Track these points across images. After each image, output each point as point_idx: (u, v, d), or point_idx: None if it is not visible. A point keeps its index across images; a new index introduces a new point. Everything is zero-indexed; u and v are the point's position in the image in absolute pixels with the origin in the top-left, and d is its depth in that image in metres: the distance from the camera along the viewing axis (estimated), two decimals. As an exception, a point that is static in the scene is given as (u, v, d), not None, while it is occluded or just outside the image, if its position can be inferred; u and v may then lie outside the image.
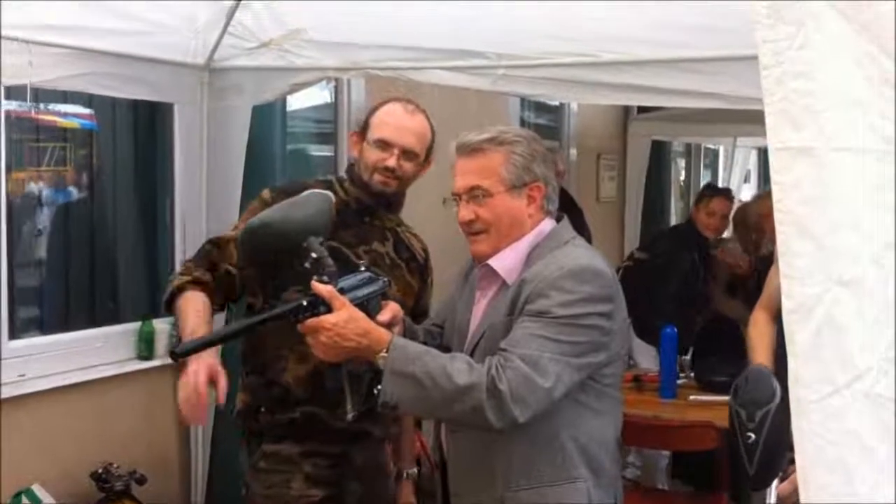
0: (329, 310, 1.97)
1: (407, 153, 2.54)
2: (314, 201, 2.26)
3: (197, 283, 2.51)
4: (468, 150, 2.12)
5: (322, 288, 1.98)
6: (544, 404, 1.94)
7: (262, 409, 2.59)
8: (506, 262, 2.11)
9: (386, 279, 2.27)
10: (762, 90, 0.96)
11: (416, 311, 2.70)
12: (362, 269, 2.21)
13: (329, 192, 2.35)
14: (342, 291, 2.01)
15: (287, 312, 2.00)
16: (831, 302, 0.94)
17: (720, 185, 9.49)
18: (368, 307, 2.10)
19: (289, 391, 2.56)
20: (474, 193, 2.10)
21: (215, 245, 2.61)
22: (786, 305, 0.97)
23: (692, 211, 5.22)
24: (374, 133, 2.56)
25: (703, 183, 9.86)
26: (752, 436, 1.82)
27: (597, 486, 2.08)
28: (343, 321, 1.96)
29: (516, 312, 2.02)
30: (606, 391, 2.10)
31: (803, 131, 0.93)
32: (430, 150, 2.63)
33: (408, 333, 2.24)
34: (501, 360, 1.93)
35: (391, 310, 2.20)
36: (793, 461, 1.88)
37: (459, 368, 1.92)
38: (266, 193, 2.62)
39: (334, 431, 2.51)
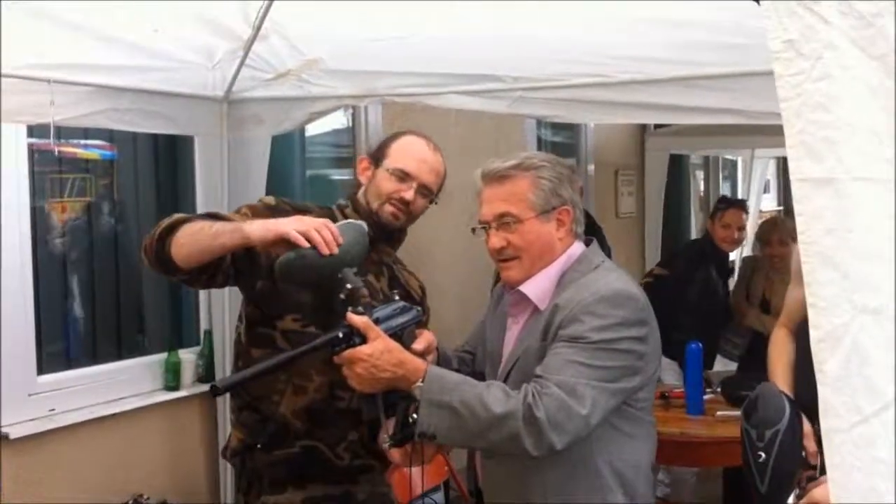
0: (364, 341, 1.97)
1: (423, 188, 2.47)
2: (349, 231, 2.24)
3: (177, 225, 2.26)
4: (495, 177, 2.13)
5: (357, 319, 1.97)
6: (582, 431, 1.93)
7: (259, 447, 2.45)
8: (537, 287, 2.12)
9: (419, 308, 2.25)
10: (783, 121, 0.97)
11: None
12: (396, 298, 2.20)
13: (363, 223, 2.30)
14: (377, 322, 2.01)
15: (323, 344, 1.99)
16: (858, 330, 0.94)
17: (739, 195, 9.48)
18: (403, 337, 2.10)
19: (286, 425, 2.43)
20: (504, 220, 2.11)
21: (214, 216, 2.38)
22: (814, 335, 0.97)
23: (708, 225, 5.21)
24: (394, 163, 2.47)
25: (722, 194, 9.85)
26: (763, 455, 1.83)
27: None
28: (378, 352, 1.95)
29: (549, 338, 2.02)
30: (640, 415, 2.10)
31: (823, 162, 0.94)
32: (439, 191, 2.57)
33: (442, 361, 2.24)
34: (538, 386, 1.92)
35: (426, 339, 2.19)
36: (811, 479, 1.89)
37: (496, 397, 1.92)
38: (271, 199, 2.53)
39: (337, 468, 2.42)
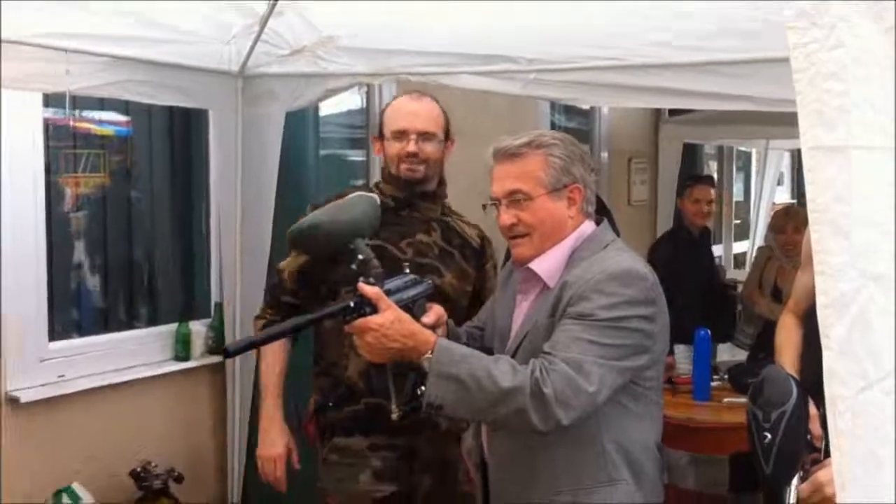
0: (375, 311, 1.99)
1: (423, 135, 2.65)
2: (360, 203, 2.33)
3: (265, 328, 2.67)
4: (506, 154, 2.13)
5: (368, 289, 2.00)
6: (589, 408, 1.94)
7: (330, 405, 2.73)
8: (547, 265, 2.13)
9: (430, 282, 2.29)
10: (795, 92, 0.98)
11: (476, 295, 2.77)
12: (407, 271, 2.24)
13: (374, 195, 2.44)
14: (388, 293, 2.04)
15: (334, 313, 2.04)
16: (865, 298, 0.95)
17: (752, 188, 9.47)
18: (414, 309, 2.12)
19: (352, 386, 2.68)
20: (515, 198, 2.11)
21: (277, 284, 2.81)
22: (820, 301, 0.98)
23: (678, 202, 5.26)
24: (389, 127, 2.70)
25: (735, 186, 9.82)
26: (769, 436, 1.83)
27: (638, 490, 2.09)
28: (389, 322, 1.97)
29: (558, 315, 2.03)
30: (647, 394, 2.11)
31: (835, 131, 0.95)
32: (447, 131, 2.74)
33: (451, 335, 2.26)
34: (545, 362, 1.93)
35: (435, 312, 2.22)
36: (815, 461, 1.89)
37: (503, 371, 1.93)
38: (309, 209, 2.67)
39: (400, 423, 2.47)
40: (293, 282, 2.72)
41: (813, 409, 1.95)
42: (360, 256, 2.12)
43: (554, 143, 2.13)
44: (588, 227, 2.18)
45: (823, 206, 0.98)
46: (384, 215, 2.53)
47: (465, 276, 2.73)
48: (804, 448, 1.88)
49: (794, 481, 1.84)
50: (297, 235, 2.28)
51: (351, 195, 2.40)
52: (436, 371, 1.95)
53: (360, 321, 1.98)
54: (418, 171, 2.65)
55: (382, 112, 2.81)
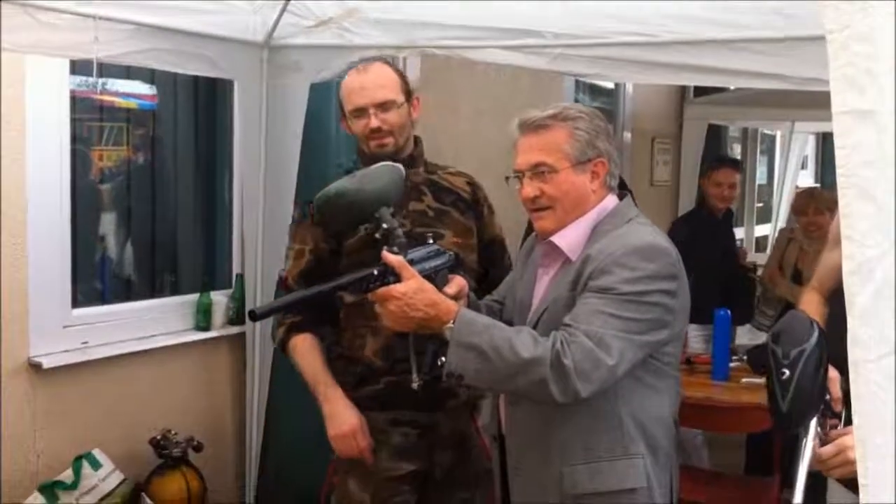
0: (398, 280, 2.01)
1: (381, 106, 2.58)
2: (386, 173, 2.32)
3: (294, 329, 2.64)
4: (532, 126, 2.12)
5: (392, 258, 2.02)
6: (608, 381, 1.95)
7: (349, 388, 2.62)
8: (569, 238, 2.12)
9: (452, 253, 2.30)
10: (828, 56, 0.97)
11: (485, 244, 2.75)
12: (430, 241, 2.25)
13: (399, 165, 2.39)
14: (411, 262, 2.05)
15: (358, 280, 2.05)
16: (890, 263, 0.95)
17: (776, 171, 9.40)
18: (436, 280, 2.13)
19: (370, 366, 2.61)
20: (539, 170, 2.10)
21: (282, 289, 2.71)
22: (846, 267, 0.98)
23: (701, 182, 5.22)
24: (347, 107, 2.63)
25: (759, 169, 9.76)
26: (787, 372, 1.80)
27: (654, 464, 2.09)
28: (412, 291, 2.00)
29: (579, 288, 2.02)
30: (665, 369, 2.10)
31: (865, 94, 0.94)
32: (408, 91, 2.66)
33: (472, 307, 2.25)
34: (566, 334, 1.93)
35: (457, 283, 2.22)
36: (833, 427, 1.89)
37: (524, 342, 1.93)
38: (294, 211, 2.70)
39: (419, 397, 2.43)
40: (297, 284, 2.63)
41: (834, 372, 1.94)
42: (385, 225, 2.14)
43: (580, 117, 2.11)
44: (611, 201, 2.17)
45: (851, 171, 0.97)
46: None
47: (466, 231, 2.69)
48: (822, 393, 1.86)
49: (811, 439, 1.83)
50: (324, 203, 2.28)
51: (377, 164, 2.38)
52: (457, 340, 1.96)
53: (384, 289, 2.00)
54: (388, 143, 2.59)
55: (339, 90, 2.72)
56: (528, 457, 2.20)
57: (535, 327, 2.10)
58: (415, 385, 2.16)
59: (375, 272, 2.01)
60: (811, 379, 1.82)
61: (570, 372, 1.89)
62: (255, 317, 2.02)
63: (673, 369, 2.15)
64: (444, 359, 1.98)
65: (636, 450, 2.07)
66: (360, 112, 2.58)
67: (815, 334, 1.85)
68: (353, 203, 2.23)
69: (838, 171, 0.99)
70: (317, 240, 2.60)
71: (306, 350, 2.63)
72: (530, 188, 2.12)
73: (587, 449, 2.08)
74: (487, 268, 2.77)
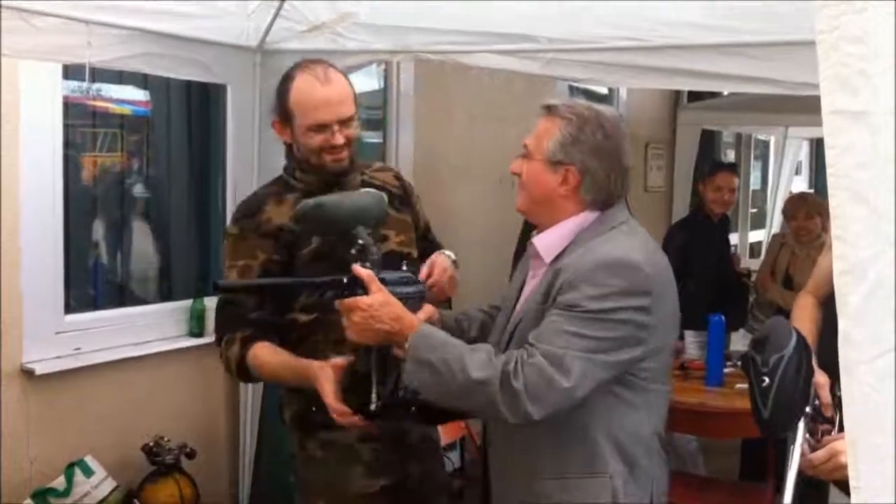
0: (366, 293, 2.03)
1: (344, 123, 2.39)
2: (368, 195, 2.31)
3: (250, 340, 2.41)
4: (543, 110, 2.10)
5: (362, 271, 2.04)
6: (564, 403, 1.90)
7: (314, 409, 2.38)
8: (546, 241, 2.09)
9: (424, 287, 2.28)
10: (817, 54, 0.97)
11: (421, 233, 2.68)
12: (404, 268, 2.25)
13: (383, 194, 2.34)
14: (383, 282, 2.07)
15: (326, 284, 2.07)
16: (884, 264, 0.94)
17: (770, 176, 9.42)
18: (407, 306, 2.12)
19: (340, 383, 2.36)
20: (525, 150, 2.10)
21: (228, 302, 2.45)
22: (837, 267, 0.98)
23: (699, 188, 5.22)
24: (305, 119, 2.38)
25: (753, 174, 9.77)
26: (766, 379, 1.80)
27: (631, 481, 2.02)
28: (378, 304, 2.01)
29: (549, 301, 1.99)
30: (643, 385, 2.01)
31: (858, 95, 0.94)
32: (356, 102, 2.46)
33: (445, 328, 2.22)
34: (524, 354, 1.90)
35: (427, 311, 2.21)
36: (826, 433, 1.89)
37: (477, 361, 1.91)
38: (232, 227, 2.48)
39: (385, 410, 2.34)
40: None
41: (823, 378, 1.95)
42: (360, 241, 2.14)
43: (569, 119, 2.05)
44: (594, 214, 2.07)
45: (843, 172, 0.97)
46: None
47: (405, 225, 2.60)
48: (802, 398, 1.87)
49: (799, 444, 1.83)
50: (302, 213, 2.27)
51: (361, 189, 2.37)
52: (412, 355, 1.97)
53: (351, 300, 2.02)
54: (344, 158, 2.41)
55: (285, 94, 2.41)
56: (506, 469, 2.18)
57: (511, 337, 2.09)
58: (373, 407, 2.15)
59: (345, 279, 2.04)
60: (792, 384, 1.83)
61: (519, 394, 1.86)
62: (218, 289, 2.07)
63: (655, 383, 2.05)
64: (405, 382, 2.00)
65: (606, 468, 2.00)
66: (323, 128, 2.37)
67: (794, 340, 1.86)
68: (331, 216, 2.20)
69: (829, 171, 0.98)
70: (267, 252, 2.41)
71: (271, 352, 2.39)
72: (517, 163, 2.11)
73: (557, 464, 2.04)
74: (423, 256, 2.61)
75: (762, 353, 1.85)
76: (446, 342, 1.98)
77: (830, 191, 0.98)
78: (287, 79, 2.45)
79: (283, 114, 2.43)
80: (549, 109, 2.08)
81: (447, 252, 2.50)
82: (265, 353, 2.38)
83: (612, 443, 2.01)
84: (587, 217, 2.06)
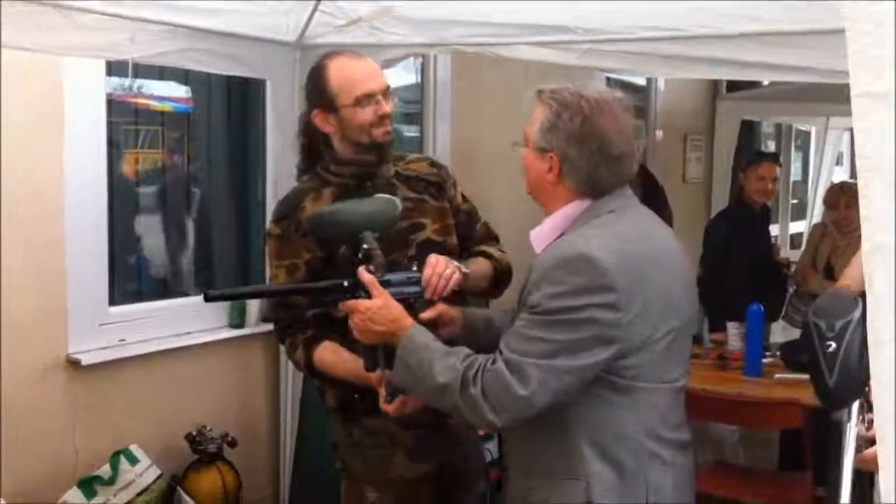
0: (369, 296, 2.13)
1: (386, 93, 2.45)
2: (379, 202, 2.36)
3: (312, 342, 2.48)
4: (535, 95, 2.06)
5: (366, 276, 2.14)
6: (525, 411, 1.87)
7: (356, 396, 2.48)
8: (538, 231, 2.07)
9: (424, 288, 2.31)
10: (846, 40, 0.98)
11: (465, 217, 2.68)
12: (414, 269, 2.29)
13: (396, 199, 2.37)
14: (388, 283, 2.18)
15: (328, 287, 2.21)
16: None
17: (811, 167, 9.32)
18: (415, 304, 2.23)
19: None
20: (521, 140, 2.07)
21: (281, 304, 2.54)
22: (865, 248, 0.99)
23: (740, 178, 5.18)
24: (351, 94, 2.41)
25: (794, 165, 9.67)
26: (833, 344, 1.68)
27: (619, 485, 1.94)
28: (376, 307, 2.11)
29: (522, 300, 1.98)
30: (627, 384, 1.92)
31: (882, 77, 0.95)
32: None
33: (468, 326, 2.29)
34: (488, 360, 1.90)
35: (437, 309, 2.25)
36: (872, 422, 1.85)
37: (445, 365, 1.94)
38: (274, 228, 2.52)
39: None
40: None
41: None
42: (365, 246, 2.21)
43: (549, 104, 1.99)
44: (584, 203, 2.01)
45: (870, 153, 0.98)
46: (348, 198, 2.41)
47: (442, 213, 2.61)
48: (866, 369, 1.77)
49: (854, 425, 1.76)
50: (317, 221, 2.36)
51: (375, 196, 2.39)
52: (398, 356, 2.05)
53: (352, 302, 2.14)
54: (391, 132, 2.46)
55: (321, 83, 2.46)
56: (508, 461, 2.21)
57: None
58: (382, 399, 2.25)
59: (345, 283, 2.16)
60: (859, 350, 1.72)
61: (477, 401, 1.87)
62: (207, 298, 2.13)
63: (644, 381, 1.94)
64: None
65: (584, 470, 1.94)
66: (370, 98, 2.41)
67: (860, 308, 1.76)
68: (342, 222, 2.29)
69: (857, 153, 0.99)
70: (311, 250, 2.46)
71: (332, 354, 2.45)
72: (521, 151, 2.08)
73: (539, 463, 2.03)
74: (463, 241, 2.66)
75: (826, 319, 1.74)
76: (427, 346, 2.02)
77: (858, 172, 0.99)
78: (319, 68, 2.50)
79: (325, 101, 2.46)
80: (537, 95, 2.03)
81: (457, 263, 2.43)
82: (328, 357, 2.46)
83: (594, 445, 1.94)
84: (579, 206, 2.00)
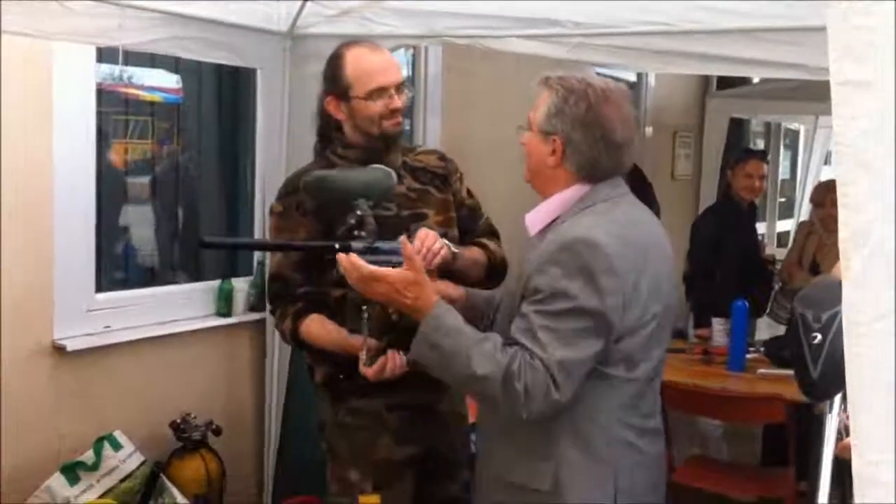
0: (400, 264, 2.10)
1: (399, 87, 2.51)
2: (374, 171, 2.37)
3: (301, 314, 2.52)
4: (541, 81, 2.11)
5: (409, 247, 2.11)
6: (552, 411, 1.93)
7: (342, 377, 2.54)
8: (535, 214, 2.11)
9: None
10: (827, 28, 0.99)
11: (468, 212, 2.72)
12: (405, 236, 2.28)
13: (392, 171, 2.38)
14: (377, 250, 2.17)
15: (318, 247, 2.30)
16: (885, 230, 0.97)
17: (799, 166, 9.36)
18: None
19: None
20: (525, 124, 2.12)
21: (275, 279, 2.60)
22: (842, 234, 1.00)
23: (728, 175, 5.20)
24: (366, 86, 2.47)
25: (782, 163, 9.70)
26: (819, 336, 1.69)
27: (589, 468, 2.00)
28: (409, 280, 2.07)
29: (520, 288, 2.01)
30: (605, 370, 1.98)
31: (865, 66, 0.96)
32: None
33: (470, 305, 2.29)
34: (527, 356, 1.91)
35: (442, 287, 2.27)
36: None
37: (482, 354, 1.93)
38: (276, 205, 2.59)
39: (414, 379, 2.35)
40: (295, 272, 2.54)
41: None
42: (359, 212, 2.22)
43: (556, 89, 2.05)
44: (584, 188, 2.06)
45: (849, 140, 0.99)
46: None
47: (446, 205, 2.65)
48: None
49: (835, 417, 1.76)
50: (312, 183, 2.36)
51: (371, 166, 2.41)
52: (423, 335, 2.02)
53: (378, 270, 2.10)
54: (401, 123, 2.54)
55: (338, 69, 2.51)
56: (481, 444, 2.25)
57: (497, 309, 2.16)
58: (363, 363, 2.28)
59: (337, 246, 2.17)
60: (843, 345, 1.73)
61: (519, 396, 1.89)
62: (202, 244, 2.13)
63: (625, 368, 2.00)
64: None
65: (552, 453, 2.00)
66: (382, 92, 2.47)
67: None
68: (335, 188, 2.30)
69: (835, 140, 1.01)
70: (309, 230, 2.50)
71: (319, 326, 2.50)
72: (525, 136, 2.12)
73: (511, 441, 2.07)
74: (465, 235, 2.69)
75: (813, 309, 1.75)
76: (457, 329, 2.01)
77: (836, 159, 1.01)
78: (337, 56, 2.55)
79: (340, 89, 2.51)
80: (545, 81, 2.09)
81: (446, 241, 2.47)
82: (314, 328, 2.50)
83: (566, 429, 2.00)
84: (576, 191, 2.05)
